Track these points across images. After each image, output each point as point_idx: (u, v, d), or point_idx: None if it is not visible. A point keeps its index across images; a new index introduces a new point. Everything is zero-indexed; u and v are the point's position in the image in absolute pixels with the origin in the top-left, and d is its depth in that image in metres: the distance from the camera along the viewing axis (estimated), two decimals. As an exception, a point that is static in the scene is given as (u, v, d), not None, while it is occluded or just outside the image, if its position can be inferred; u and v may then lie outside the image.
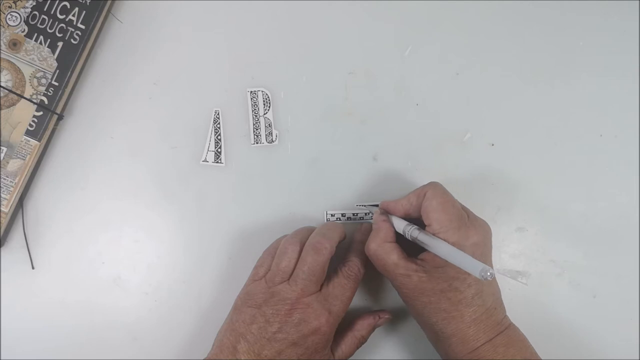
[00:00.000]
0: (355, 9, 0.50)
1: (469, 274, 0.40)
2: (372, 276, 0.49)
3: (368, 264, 0.45)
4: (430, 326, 0.43)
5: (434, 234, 0.40)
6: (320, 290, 0.42)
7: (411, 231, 0.41)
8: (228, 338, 0.42)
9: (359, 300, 0.50)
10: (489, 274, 0.34)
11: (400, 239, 0.43)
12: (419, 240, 0.41)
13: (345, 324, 0.45)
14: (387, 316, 0.47)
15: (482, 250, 0.41)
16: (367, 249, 0.43)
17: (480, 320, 0.41)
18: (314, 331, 0.41)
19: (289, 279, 0.42)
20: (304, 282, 0.41)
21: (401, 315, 0.49)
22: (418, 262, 0.42)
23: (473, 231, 0.41)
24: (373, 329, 0.46)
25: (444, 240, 0.40)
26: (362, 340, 0.46)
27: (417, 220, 0.43)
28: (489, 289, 0.42)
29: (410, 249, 0.43)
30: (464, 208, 0.43)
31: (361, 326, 0.45)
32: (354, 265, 0.44)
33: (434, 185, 0.43)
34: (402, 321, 0.50)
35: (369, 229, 0.48)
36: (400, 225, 0.43)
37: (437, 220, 0.41)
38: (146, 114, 0.50)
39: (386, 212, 0.45)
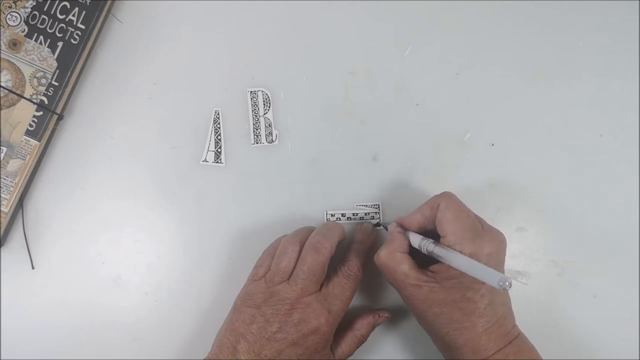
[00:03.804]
0: (355, 9, 0.50)
1: (482, 284, 0.40)
2: (372, 275, 0.49)
3: (368, 263, 0.45)
4: (441, 337, 0.42)
5: (449, 246, 0.40)
6: (320, 290, 0.42)
7: (427, 245, 0.41)
8: (228, 338, 0.42)
9: (358, 300, 0.50)
10: (507, 283, 0.34)
11: (414, 255, 0.43)
12: (435, 253, 0.40)
13: (345, 323, 0.45)
14: (386, 315, 0.47)
15: (497, 260, 0.41)
16: (377, 257, 0.43)
17: (491, 330, 0.41)
18: (314, 331, 0.41)
19: (288, 279, 0.42)
20: (303, 282, 0.41)
21: (401, 315, 0.49)
22: (429, 274, 0.41)
23: (488, 242, 0.40)
24: (373, 328, 0.46)
25: (460, 252, 0.39)
26: (362, 340, 0.46)
27: (432, 232, 0.43)
28: (500, 298, 0.42)
29: (421, 264, 0.42)
30: (477, 218, 0.43)
31: (361, 325, 0.45)
32: (353, 264, 0.44)
33: (447, 196, 0.43)
34: (402, 320, 0.50)
35: (369, 229, 0.48)
36: (415, 240, 0.42)
37: (452, 231, 0.40)
38: (146, 114, 0.50)
39: (402, 226, 0.45)
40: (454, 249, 0.40)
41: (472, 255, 0.39)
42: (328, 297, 0.42)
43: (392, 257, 0.42)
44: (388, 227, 0.46)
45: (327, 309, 0.42)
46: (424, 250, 0.42)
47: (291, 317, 0.41)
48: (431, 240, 0.41)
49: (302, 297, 0.41)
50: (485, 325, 0.41)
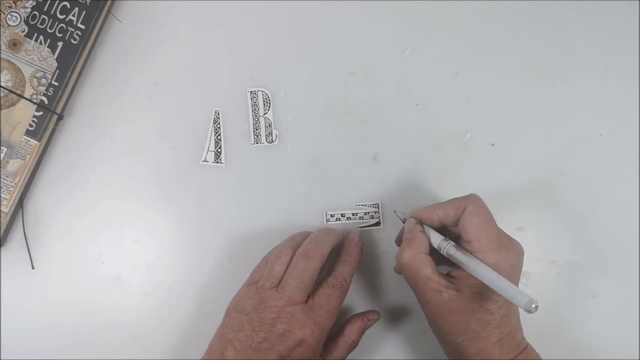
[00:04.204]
0: (355, 9, 0.50)
1: (501, 296, 0.39)
2: (366, 279, 0.49)
3: (355, 273, 0.44)
4: (455, 345, 0.41)
5: (471, 252, 0.39)
6: (306, 301, 0.42)
7: (448, 248, 0.40)
8: (217, 344, 0.42)
9: (352, 301, 0.49)
10: (533, 306, 0.33)
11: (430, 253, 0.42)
12: (456, 258, 0.39)
13: (334, 329, 0.44)
14: (375, 317, 0.46)
15: (517, 272, 0.41)
16: (399, 256, 0.42)
17: (505, 340, 0.40)
18: (299, 343, 0.40)
19: (277, 286, 0.41)
20: (291, 289, 0.41)
21: (401, 315, 0.49)
22: (450, 280, 0.41)
23: (510, 253, 0.40)
24: (363, 332, 0.46)
25: (483, 260, 0.39)
26: (354, 345, 0.45)
27: (445, 230, 0.42)
28: (515, 310, 0.41)
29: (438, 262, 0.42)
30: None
31: (351, 331, 0.45)
32: (339, 274, 0.43)
33: (475, 200, 0.41)
34: (401, 320, 0.50)
35: (355, 239, 0.46)
36: (436, 239, 0.42)
37: (477, 238, 0.39)
38: (146, 114, 0.50)
39: (420, 222, 0.43)
40: (476, 257, 0.39)
41: (494, 265, 0.38)
42: (314, 308, 0.41)
43: (416, 258, 0.41)
44: (405, 222, 0.44)
45: (312, 320, 0.41)
46: (443, 252, 0.41)
47: (275, 327, 0.40)
48: (452, 243, 0.41)
49: (288, 305, 0.40)
50: (499, 336, 0.40)
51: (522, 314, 0.43)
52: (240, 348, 0.40)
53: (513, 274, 0.40)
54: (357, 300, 0.49)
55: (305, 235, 0.45)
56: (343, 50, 0.50)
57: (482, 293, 0.40)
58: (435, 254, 0.42)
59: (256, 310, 0.41)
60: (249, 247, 0.49)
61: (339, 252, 0.46)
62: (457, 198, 0.42)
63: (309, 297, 0.42)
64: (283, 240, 0.46)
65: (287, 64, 0.50)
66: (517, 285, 0.41)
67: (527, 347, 0.42)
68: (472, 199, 0.41)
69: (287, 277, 0.41)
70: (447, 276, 0.41)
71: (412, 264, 0.41)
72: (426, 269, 0.40)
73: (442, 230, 0.43)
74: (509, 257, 0.40)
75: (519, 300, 0.34)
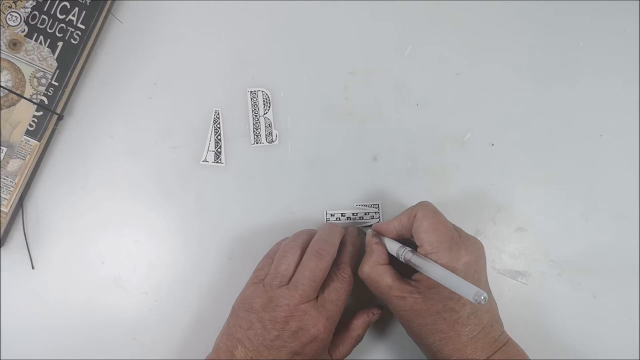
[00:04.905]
0: (355, 9, 0.50)
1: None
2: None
3: (357, 265, 0.45)
4: (428, 347, 0.42)
5: (425, 255, 0.40)
6: (316, 298, 0.42)
7: (404, 253, 0.41)
8: (225, 343, 0.42)
9: (354, 299, 0.49)
10: (482, 297, 0.33)
11: (394, 261, 0.43)
12: (412, 262, 0.40)
13: (340, 324, 0.45)
14: (379, 311, 0.46)
15: (475, 269, 0.41)
16: (360, 271, 0.43)
17: (477, 338, 0.41)
18: (313, 339, 0.41)
19: (288, 283, 0.42)
20: (303, 288, 0.41)
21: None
22: (412, 283, 0.41)
23: (464, 251, 0.40)
24: (368, 326, 0.46)
25: (436, 261, 0.39)
26: (359, 339, 0.45)
27: (410, 241, 0.43)
28: (484, 306, 0.42)
29: (405, 270, 0.42)
30: (455, 227, 0.43)
31: (356, 325, 0.45)
32: (347, 267, 0.44)
33: (424, 206, 0.43)
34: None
35: (355, 232, 0.47)
36: (393, 247, 0.43)
37: (428, 241, 0.41)
38: (146, 114, 0.50)
39: (379, 234, 0.45)
40: (431, 259, 0.40)
41: (447, 264, 0.39)
42: (325, 304, 0.42)
43: (374, 270, 0.42)
44: (366, 234, 0.46)
45: (324, 316, 0.41)
46: (401, 259, 0.42)
47: (288, 325, 0.40)
48: (409, 248, 0.41)
49: (300, 303, 0.41)
50: (470, 334, 0.41)
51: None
52: (251, 346, 0.40)
53: (469, 271, 0.40)
54: (359, 298, 0.49)
55: (310, 233, 0.45)
56: (343, 50, 0.50)
57: (442, 293, 0.40)
58: (402, 263, 0.42)
59: (266, 309, 0.41)
60: (249, 247, 0.49)
61: (342, 244, 0.46)
62: (410, 207, 0.43)
63: (318, 293, 0.42)
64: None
65: (287, 64, 0.50)
66: (482, 283, 0.42)
67: (507, 342, 0.42)
68: (421, 205, 0.43)
69: (299, 275, 0.41)
70: (410, 281, 0.42)
71: (372, 276, 0.42)
72: (386, 278, 0.42)
73: (405, 241, 0.43)
74: (462, 255, 0.40)
75: (466, 293, 0.35)
